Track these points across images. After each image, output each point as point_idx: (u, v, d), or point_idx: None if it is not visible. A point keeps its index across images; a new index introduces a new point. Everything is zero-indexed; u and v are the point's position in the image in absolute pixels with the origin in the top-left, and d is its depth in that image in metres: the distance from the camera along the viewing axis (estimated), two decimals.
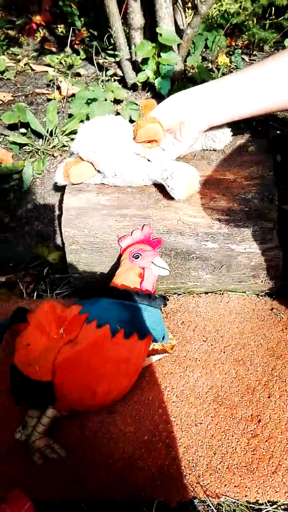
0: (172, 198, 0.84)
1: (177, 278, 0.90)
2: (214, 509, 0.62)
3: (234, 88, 0.75)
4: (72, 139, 1.17)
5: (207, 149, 0.94)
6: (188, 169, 0.82)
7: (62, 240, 1.02)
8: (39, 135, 1.21)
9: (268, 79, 0.72)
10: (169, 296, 0.94)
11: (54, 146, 1.19)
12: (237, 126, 1.27)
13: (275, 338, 0.84)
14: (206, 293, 0.95)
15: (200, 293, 0.95)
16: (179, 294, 0.95)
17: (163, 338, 0.75)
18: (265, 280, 0.89)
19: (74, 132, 1.18)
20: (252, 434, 0.70)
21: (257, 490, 0.64)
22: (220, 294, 0.94)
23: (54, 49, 1.66)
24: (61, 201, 1.08)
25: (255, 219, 0.85)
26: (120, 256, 0.85)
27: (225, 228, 0.85)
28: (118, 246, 0.85)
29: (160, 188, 0.87)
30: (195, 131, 0.82)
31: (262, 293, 0.94)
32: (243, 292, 0.94)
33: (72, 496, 0.63)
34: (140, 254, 0.80)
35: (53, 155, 1.18)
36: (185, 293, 0.95)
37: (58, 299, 0.97)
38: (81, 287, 0.95)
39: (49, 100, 1.37)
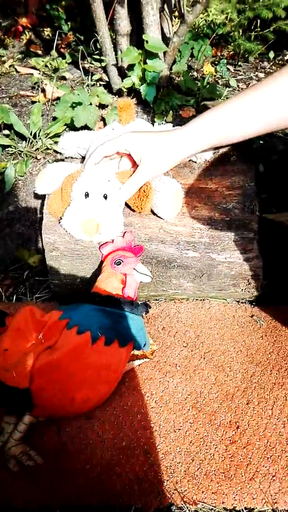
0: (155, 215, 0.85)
1: (158, 285, 0.90)
2: None
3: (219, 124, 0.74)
4: (56, 142, 1.17)
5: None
6: (172, 187, 0.83)
7: (42, 245, 1.01)
8: (22, 137, 1.21)
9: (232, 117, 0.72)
10: (150, 302, 0.94)
11: (37, 149, 1.18)
12: None
13: (254, 345, 0.85)
14: (187, 299, 0.95)
15: (181, 299, 0.95)
16: (160, 300, 0.96)
17: (144, 345, 0.75)
18: (245, 288, 0.90)
19: (58, 135, 1.18)
20: (230, 440, 0.70)
21: (234, 497, 0.64)
22: (201, 300, 0.95)
23: (39, 52, 1.66)
24: (43, 205, 1.07)
25: (236, 229, 0.86)
26: (101, 262, 0.85)
27: (206, 237, 0.86)
28: (99, 253, 0.85)
29: None
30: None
31: (243, 301, 0.95)
32: (224, 299, 0.95)
33: (49, 503, 0.63)
34: (122, 261, 0.80)
35: (36, 158, 1.17)
36: (166, 300, 0.96)
37: (37, 303, 0.96)
38: (61, 293, 0.94)
39: (33, 102, 1.36)
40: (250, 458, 0.68)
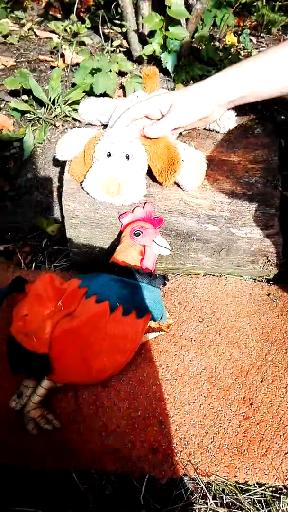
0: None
1: (176, 258, 0.89)
2: (204, 487, 0.63)
3: (251, 72, 0.72)
4: (75, 110, 1.14)
5: (210, 130, 0.92)
6: (197, 158, 0.81)
7: (61, 212, 1.00)
8: (41, 103, 1.18)
9: (270, 67, 0.70)
10: (167, 275, 0.94)
11: (56, 116, 1.15)
12: (242, 108, 1.26)
13: (270, 324, 0.85)
14: (204, 275, 0.94)
15: (198, 275, 0.94)
16: (177, 275, 0.95)
17: (161, 318, 0.75)
18: (264, 266, 0.89)
19: (76, 102, 1.15)
20: (244, 416, 0.71)
21: (246, 472, 0.65)
22: (217, 276, 0.94)
23: (59, 16, 1.61)
24: (62, 173, 1.06)
25: (257, 203, 0.84)
26: (120, 233, 0.84)
27: (227, 211, 0.84)
28: (119, 223, 0.84)
29: None
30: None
31: (260, 279, 0.94)
32: (241, 276, 0.94)
33: (66, 467, 0.64)
34: (141, 232, 0.79)
35: (54, 125, 1.15)
36: (183, 274, 0.95)
37: (56, 271, 0.95)
38: (79, 262, 0.93)
39: (52, 67, 1.32)
40: (263, 434, 0.69)
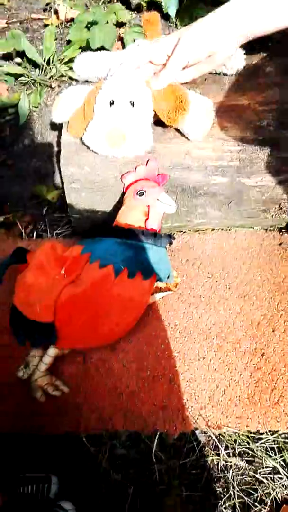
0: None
1: (182, 215, 0.87)
2: (215, 439, 0.64)
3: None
4: (71, 68, 1.10)
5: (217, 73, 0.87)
6: (204, 104, 0.77)
7: (61, 178, 0.99)
8: (35, 65, 1.14)
9: None
10: (174, 233, 0.92)
11: (51, 77, 1.12)
12: (251, 47, 1.17)
13: (282, 273, 0.82)
14: (213, 230, 0.92)
15: (206, 230, 0.92)
16: (184, 232, 0.93)
17: (168, 278, 0.74)
18: (276, 214, 0.85)
19: (73, 60, 1.10)
20: (255, 367, 0.70)
21: (258, 421, 0.65)
22: (226, 230, 0.91)
23: None
24: (59, 136, 1.03)
25: (269, 149, 0.79)
26: (123, 194, 0.82)
27: (236, 160, 0.80)
28: (121, 184, 0.82)
29: None
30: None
31: (271, 228, 0.91)
32: (251, 227, 0.91)
33: (75, 429, 0.66)
34: (145, 191, 0.76)
35: (50, 86, 1.11)
36: (190, 231, 0.93)
37: (58, 239, 0.95)
38: (82, 227, 0.93)
39: (46, 26, 1.27)
40: (275, 383, 0.69)
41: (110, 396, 0.68)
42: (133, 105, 0.75)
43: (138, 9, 1.32)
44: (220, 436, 0.65)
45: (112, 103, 0.76)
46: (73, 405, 0.68)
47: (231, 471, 0.62)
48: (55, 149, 1.06)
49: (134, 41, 1.18)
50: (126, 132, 0.75)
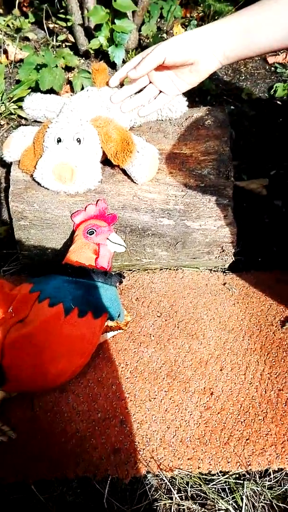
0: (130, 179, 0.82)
1: (132, 255, 0.88)
2: (167, 482, 0.63)
3: (251, 20, 0.65)
4: (20, 107, 1.11)
5: (162, 119, 0.92)
6: (150, 150, 0.80)
7: (9, 214, 0.97)
8: None
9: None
10: (124, 272, 0.93)
11: (0, 114, 1.12)
12: (192, 100, 1.26)
13: (227, 312, 0.85)
14: (161, 269, 0.94)
15: (154, 269, 0.94)
16: (133, 271, 0.94)
17: (118, 316, 0.74)
18: (219, 256, 0.89)
19: (22, 99, 1.11)
20: (205, 406, 0.71)
21: (209, 462, 0.65)
22: (174, 270, 0.94)
23: (0, 11, 1.55)
24: (8, 173, 1.02)
25: (211, 195, 0.84)
26: (73, 232, 0.82)
27: (181, 204, 0.84)
28: (71, 222, 0.82)
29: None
30: (206, 72, 0.71)
31: (215, 269, 0.95)
32: (197, 268, 0.95)
33: (24, 478, 0.62)
34: (95, 230, 0.77)
35: None
36: (139, 270, 0.94)
37: (5, 276, 0.92)
38: (30, 264, 0.91)
39: None
40: (224, 423, 0.69)
41: (59, 442, 0.65)
42: (79, 142, 0.78)
43: (86, 55, 1.37)
44: (172, 479, 0.64)
45: (59, 141, 0.78)
46: (20, 452, 0.64)
47: None
48: (3, 184, 1.05)
49: (82, 85, 1.23)
50: (74, 166, 0.77)
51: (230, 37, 0.67)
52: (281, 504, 0.63)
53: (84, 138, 0.78)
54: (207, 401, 0.72)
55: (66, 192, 0.81)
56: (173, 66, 0.69)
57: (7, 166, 1.04)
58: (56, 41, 1.37)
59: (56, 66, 1.20)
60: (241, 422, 0.70)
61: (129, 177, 0.83)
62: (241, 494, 0.63)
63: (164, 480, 0.64)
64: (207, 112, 0.92)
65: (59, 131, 0.78)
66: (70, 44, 1.39)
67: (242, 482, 0.64)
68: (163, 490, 0.63)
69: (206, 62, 0.69)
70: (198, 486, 0.64)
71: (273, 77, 1.39)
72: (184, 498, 0.63)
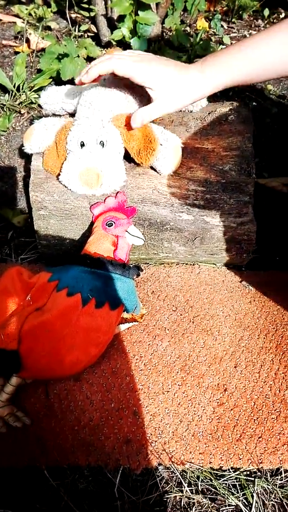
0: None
1: (149, 248, 0.88)
2: (179, 475, 0.63)
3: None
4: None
5: (182, 110, 0.91)
6: (174, 142, 0.80)
7: (28, 203, 0.97)
8: (5, 90, 1.14)
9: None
10: (141, 265, 0.93)
11: (21, 103, 1.12)
12: (213, 94, 1.25)
13: (243, 310, 0.85)
14: (177, 263, 0.94)
15: (171, 264, 0.94)
16: (150, 264, 0.94)
17: (135, 309, 0.74)
18: (237, 253, 0.89)
19: (43, 88, 1.11)
20: (218, 402, 0.71)
21: (221, 457, 0.65)
22: (191, 265, 0.93)
23: None
24: (28, 163, 1.02)
25: (231, 191, 0.83)
26: (92, 223, 0.82)
27: (200, 200, 0.83)
28: (90, 213, 0.82)
29: None
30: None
31: (233, 266, 0.95)
32: (214, 264, 0.94)
33: (36, 463, 0.62)
34: (114, 222, 0.77)
35: (19, 112, 1.11)
36: (156, 264, 0.94)
37: (23, 264, 0.93)
38: (48, 254, 0.91)
39: (16, 53, 1.28)
40: (237, 420, 0.69)
41: (73, 430, 0.65)
42: (103, 146, 0.77)
43: (108, 46, 1.36)
44: (183, 472, 0.64)
45: (83, 145, 0.77)
46: (34, 438, 0.64)
47: (194, 509, 0.61)
48: (22, 173, 1.05)
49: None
50: (99, 171, 0.77)
51: (226, 76, 0.69)
52: None
53: (107, 141, 0.78)
54: (221, 397, 0.72)
55: (86, 194, 0.81)
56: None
57: (26, 156, 1.05)
58: (78, 31, 1.36)
59: (78, 56, 1.19)
60: (254, 419, 0.69)
61: (152, 168, 0.83)
62: (252, 492, 0.63)
63: (175, 473, 0.64)
64: (230, 107, 0.91)
65: (82, 135, 0.78)
66: (92, 34, 1.39)
67: (253, 479, 0.64)
68: (174, 482, 0.63)
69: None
70: (209, 481, 0.64)
71: None
72: (194, 492, 0.63)
